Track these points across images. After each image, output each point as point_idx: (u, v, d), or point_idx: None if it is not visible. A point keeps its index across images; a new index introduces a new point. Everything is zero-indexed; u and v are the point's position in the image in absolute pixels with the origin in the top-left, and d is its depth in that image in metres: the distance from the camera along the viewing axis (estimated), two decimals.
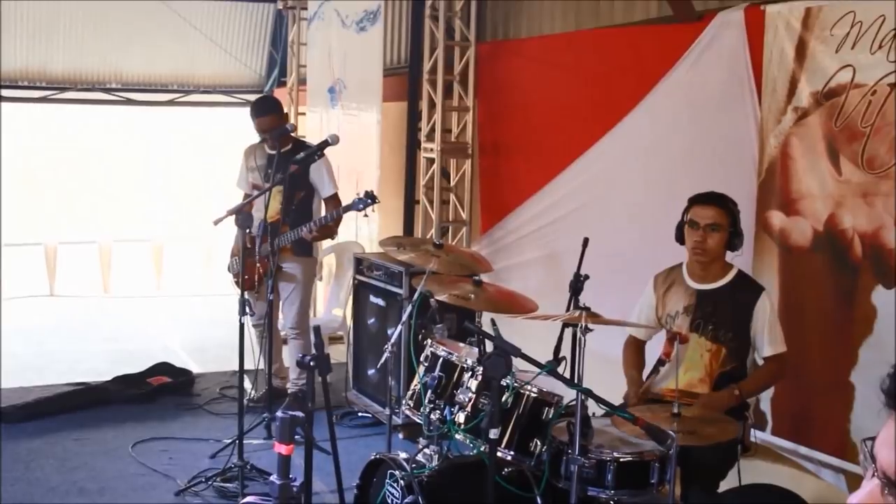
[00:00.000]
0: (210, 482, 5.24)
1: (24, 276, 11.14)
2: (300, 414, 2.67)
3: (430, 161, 7.34)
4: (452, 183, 7.45)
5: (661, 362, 4.23)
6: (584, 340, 3.54)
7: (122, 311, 10.36)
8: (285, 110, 9.68)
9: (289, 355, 6.72)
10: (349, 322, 7.06)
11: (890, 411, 1.46)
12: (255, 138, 6.42)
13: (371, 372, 6.50)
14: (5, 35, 9.97)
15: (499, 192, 7.27)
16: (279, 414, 2.68)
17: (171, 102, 11.27)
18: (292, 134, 5.99)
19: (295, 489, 2.69)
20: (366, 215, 5.70)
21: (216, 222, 5.54)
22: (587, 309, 3.64)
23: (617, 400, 4.27)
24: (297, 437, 2.70)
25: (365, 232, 7.67)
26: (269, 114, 6.25)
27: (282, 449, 2.65)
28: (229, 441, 5.65)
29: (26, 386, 6.91)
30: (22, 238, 11.85)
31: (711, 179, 4.67)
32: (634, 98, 5.81)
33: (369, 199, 5.59)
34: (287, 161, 5.66)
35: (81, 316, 10.03)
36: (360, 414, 6.51)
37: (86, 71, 10.63)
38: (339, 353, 7.49)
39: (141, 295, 11.11)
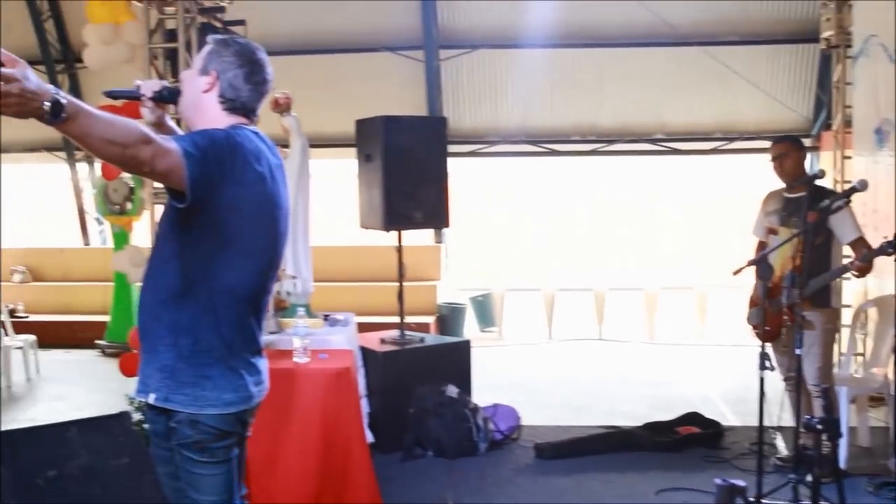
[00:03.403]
0: None
1: (576, 320, 11.85)
2: (741, 483, 2.52)
3: None
4: None
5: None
6: None
7: (665, 357, 10.55)
8: (831, 153, 9.31)
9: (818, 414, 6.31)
10: (892, 381, 6.47)
11: None
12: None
13: None
14: (564, 96, 10.78)
15: None
16: (719, 482, 2.54)
17: (714, 151, 11.32)
18: (818, 182, 5.65)
19: None
20: None
21: (735, 272, 5.42)
22: None
23: None
24: None
25: None
26: (782, 141, 6.15)
27: None
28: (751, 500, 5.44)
29: (563, 425, 7.32)
30: (574, 284, 12.63)
31: None
32: None
33: None
34: (806, 206, 5.35)
35: (626, 360, 10.40)
36: None
37: (632, 123, 11.10)
38: (881, 415, 6.91)
39: (684, 342, 11.22)
